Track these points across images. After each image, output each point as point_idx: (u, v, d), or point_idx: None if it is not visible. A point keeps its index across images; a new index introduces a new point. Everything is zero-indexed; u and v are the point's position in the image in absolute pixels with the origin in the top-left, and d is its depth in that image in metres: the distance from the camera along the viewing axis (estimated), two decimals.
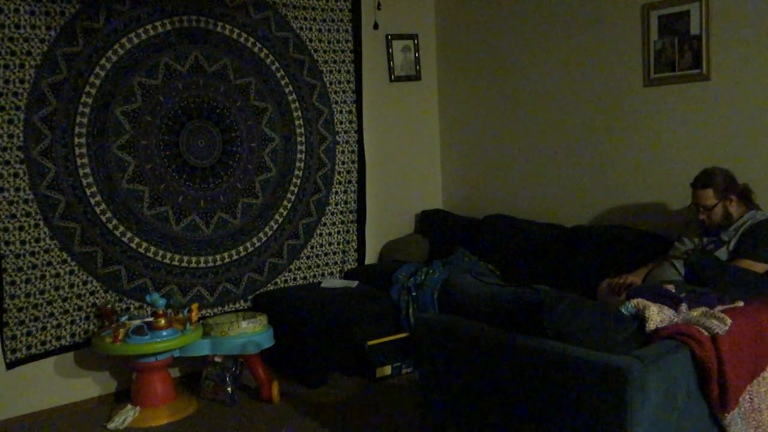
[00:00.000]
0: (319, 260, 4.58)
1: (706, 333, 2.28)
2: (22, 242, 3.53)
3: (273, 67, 4.27)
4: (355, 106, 4.64)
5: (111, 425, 3.48)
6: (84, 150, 3.67)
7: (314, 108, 4.46)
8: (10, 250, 3.50)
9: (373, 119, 4.79)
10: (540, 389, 2.27)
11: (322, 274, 4.60)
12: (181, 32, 3.92)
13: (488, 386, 2.47)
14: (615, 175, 4.00)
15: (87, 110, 3.67)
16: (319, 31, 4.45)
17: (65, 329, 3.70)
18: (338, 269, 4.67)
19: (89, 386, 3.85)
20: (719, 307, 2.48)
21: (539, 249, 4.12)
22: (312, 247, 4.54)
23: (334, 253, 4.65)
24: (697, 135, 3.60)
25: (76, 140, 3.65)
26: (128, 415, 3.51)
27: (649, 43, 3.72)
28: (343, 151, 4.61)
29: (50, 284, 3.63)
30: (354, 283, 4.29)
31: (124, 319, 3.59)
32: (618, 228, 3.85)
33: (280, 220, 4.37)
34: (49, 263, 3.61)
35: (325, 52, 4.48)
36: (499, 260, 4.30)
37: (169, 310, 3.66)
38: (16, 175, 3.50)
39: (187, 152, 3.99)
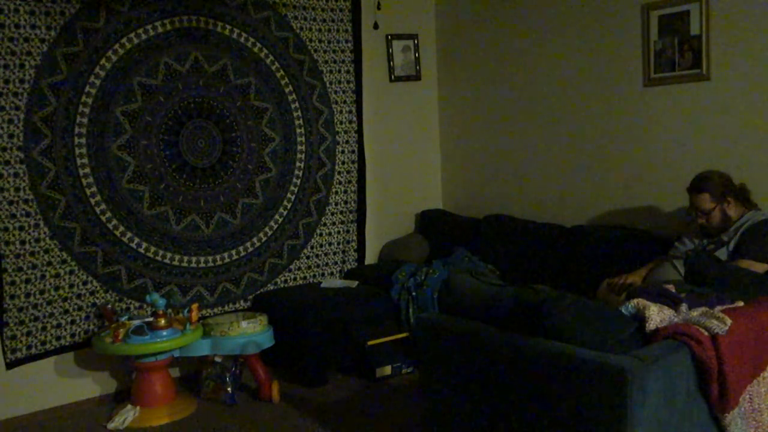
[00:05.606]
0: (319, 260, 4.58)
1: (706, 333, 2.28)
2: (22, 242, 3.53)
3: (273, 67, 4.27)
4: (355, 106, 4.64)
5: (111, 425, 3.48)
6: (84, 150, 3.67)
7: (314, 108, 4.47)
8: (10, 250, 3.50)
9: (373, 119, 4.79)
10: (540, 389, 2.27)
11: (322, 274, 4.60)
12: (181, 32, 3.92)
13: (488, 386, 2.47)
14: (615, 175, 4.00)
15: (87, 110, 3.67)
16: (319, 31, 4.45)
17: (65, 329, 3.70)
18: (338, 269, 4.67)
19: (89, 386, 3.85)
20: (719, 307, 2.48)
21: (539, 249, 4.12)
22: (312, 247, 4.54)
23: (334, 253, 4.65)
24: (697, 135, 3.60)
25: (76, 140, 3.65)
26: (128, 415, 3.51)
27: (649, 43, 3.72)
28: (343, 151, 4.61)
29: (50, 284, 3.63)
30: (354, 283, 4.29)
31: (124, 319, 3.59)
32: (618, 228, 3.85)
33: (280, 220, 4.37)
34: (49, 263, 3.62)
35: (325, 52, 4.48)
36: (499, 260, 4.30)
37: (169, 310, 3.66)
38: (16, 175, 3.50)
39: (187, 152, 3.99)
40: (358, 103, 4.65)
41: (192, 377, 4.07)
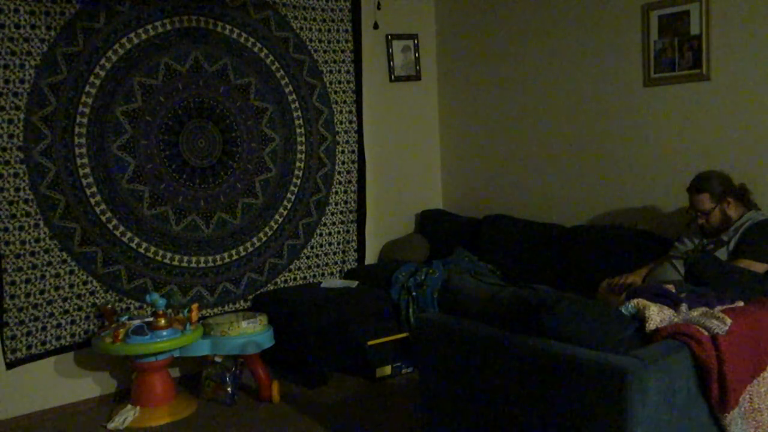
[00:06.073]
0: (319, 260, 4.58)
1: (706, 333, 2.28)
2: (22, 242, 3.53)
3: (273, 67, 4.27)
4: (355, 106, 4.64)
5: (111, 425, 3.48)
6: (84, 150, 3.67)
7: (314, 108, 4.46)
8: (10, 250, 3.50)
9: (373, 119, 4.79)
10: (540, 389, 2.28)
11: (322, 274, 4.60)
12: (181, 32, 3.92)
13: (488, 386, 2.47)
14: (615, 175, 4.00)
15: (87, 110, 3.67)
16: (319, 31, 4.45)
17: (65, 329, 3.70)
18: (338, 269, 4.67)
19: (89, 386, 3.85)
20: (719, 307, 2.48)
21: (539, 249, 4.12)
22: (312, 247, 4.54)
23: (334, 253, 4.65)
24: (697, 135, 3.60)
25: (76, 140, 3.65)
26: (128, 415, 3.51)
27: (649, 43, 3.72)
28: (343, 151, 4.61)
29: (50, 284, 3.63)
30: (354, 283, 4.29)
31: (124, 319, 3.59)
32: (618, 228, 3.85)
33: (280, 220, 4.37)
34: (49, 263, 3.61)
35: (325, 52, 4.48)
36: (499, 260, 4.30)
37: (169, 310, 3.66)
38: (16, 175, 3.50)
39: (187, 152, 3.99)
40: (358, 103, 4.65)
41: (192, 377, 4.07)
